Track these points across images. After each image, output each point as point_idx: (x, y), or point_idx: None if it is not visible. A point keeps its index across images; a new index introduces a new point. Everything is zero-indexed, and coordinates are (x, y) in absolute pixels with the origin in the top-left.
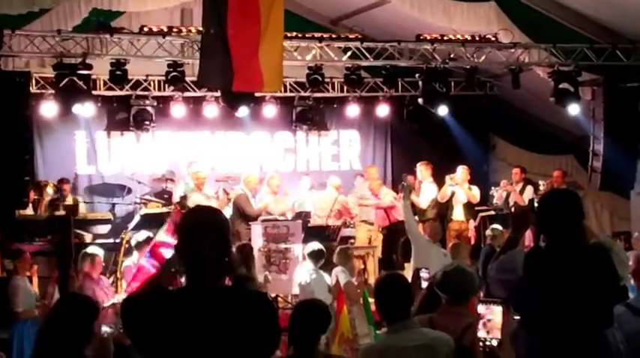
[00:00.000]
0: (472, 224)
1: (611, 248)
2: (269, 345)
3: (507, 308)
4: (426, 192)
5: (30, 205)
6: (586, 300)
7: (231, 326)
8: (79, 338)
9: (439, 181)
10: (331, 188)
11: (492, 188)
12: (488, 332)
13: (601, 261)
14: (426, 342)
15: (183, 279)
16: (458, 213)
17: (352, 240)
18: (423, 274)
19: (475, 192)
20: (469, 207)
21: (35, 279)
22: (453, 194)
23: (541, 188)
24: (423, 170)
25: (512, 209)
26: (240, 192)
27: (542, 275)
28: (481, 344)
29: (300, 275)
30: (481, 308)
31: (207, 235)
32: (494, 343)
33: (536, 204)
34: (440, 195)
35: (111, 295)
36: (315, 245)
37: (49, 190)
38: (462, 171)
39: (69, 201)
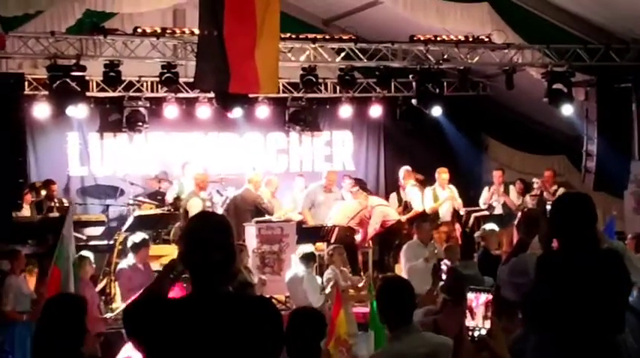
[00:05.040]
0: (457, 226)
1: (624, 254)
2: (275, 350)
3: (495, 295)
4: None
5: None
6: (600, 306)
7: (239, 331)
8: (74, 335)
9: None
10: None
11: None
12: (475, 320)
13: (615, 266)
14: (429, 350)
15: (185, 285)
16: (445, 215)
17: None
18: (443, 267)
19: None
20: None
21: (33, 280)
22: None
23: (535, 186)
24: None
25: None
26: (247, 192)
27: (556, 279)
28: (470, 333)
29: (292, 278)
30: (470, 296)
31: (214, 241)
32: (484, 332)
33: (548, 208)
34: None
35: (96, 297)
36: (306, 248)
37: (43, 192)
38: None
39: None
